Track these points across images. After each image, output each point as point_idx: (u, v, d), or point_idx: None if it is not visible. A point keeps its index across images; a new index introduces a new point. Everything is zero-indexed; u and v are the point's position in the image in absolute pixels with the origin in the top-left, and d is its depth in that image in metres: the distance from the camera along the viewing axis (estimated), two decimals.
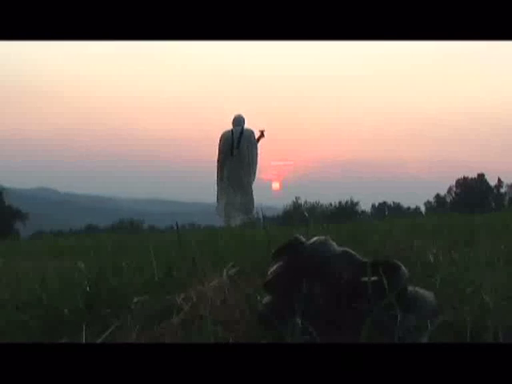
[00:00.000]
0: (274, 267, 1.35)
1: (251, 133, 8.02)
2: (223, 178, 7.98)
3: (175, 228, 2.77)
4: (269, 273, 1.35)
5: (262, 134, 8.15)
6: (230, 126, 8.00)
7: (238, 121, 7.99)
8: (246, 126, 8.05)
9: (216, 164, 8.04)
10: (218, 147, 8.00)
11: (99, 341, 1.31)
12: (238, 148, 7.79)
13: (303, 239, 1.37)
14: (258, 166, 8.14)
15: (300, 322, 1.14)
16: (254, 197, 8.13)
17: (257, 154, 7.98)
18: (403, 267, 1.27)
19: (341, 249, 1.33)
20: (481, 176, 62.79)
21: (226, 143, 7.90)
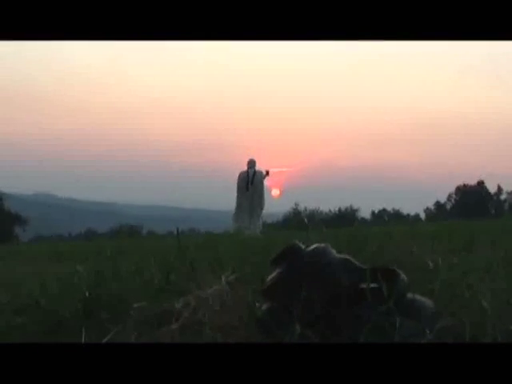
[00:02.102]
0: (273, 274, 1.35)
1: (260, 173, 10.98)
2: (241, 206, 10.84)
3: (175, 233, 2.77)
4: (268, 279, 1.35)
5: (267, 173, 11.10)
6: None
7: (252, 164, 10.96)
8: (257, 167, 11.09)
9: (236, 196, 11.00)
10: (236, 183, 10.98)
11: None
12: (252, 184, 10.79)
13: (302, 246, 1.37)
14: (266, 196, 11.05)
15: (299, 328, 1.15)
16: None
17: (263, 188, 11.02)
18: (402, 274, 1.27)
19: (340, 256, 1.33)
20: (481, 183, 62.83)
21: (243, 181, 10.90)
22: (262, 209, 10.99)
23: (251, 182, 10.80)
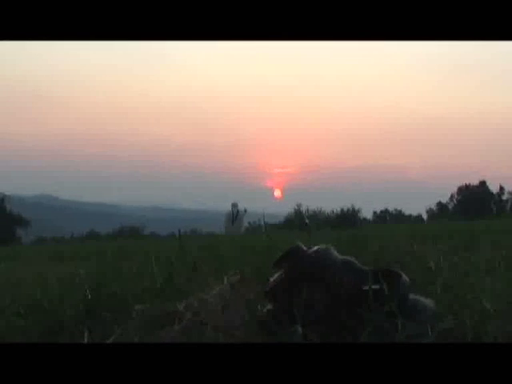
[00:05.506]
0: (275, 275, 1.35)
1: (241, 212, 15.89)
2: (229, 231, 15.26)
3: (177, 235, 2.77)
4: (270, 281, 1.35)
5: (245, 211, 15.98)
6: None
7: (234, 206, 15.82)
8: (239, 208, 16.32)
9: (224, 228, 15.94)
10: (224, 219, 15.93)
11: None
12: (236, 220, 15.72)
13: (304, 247, 1.37)
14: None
15: (300, 329, 1.15)
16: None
17: (243, 222, 16.08)
18: (404, 275, 1.27)
19: (342, 257, 1.33)
20: (482, 183, 62.68)
21: (229, 217, 15.83)
22: (242, 231, 16.06)
23: (235, 218, 15.94)
